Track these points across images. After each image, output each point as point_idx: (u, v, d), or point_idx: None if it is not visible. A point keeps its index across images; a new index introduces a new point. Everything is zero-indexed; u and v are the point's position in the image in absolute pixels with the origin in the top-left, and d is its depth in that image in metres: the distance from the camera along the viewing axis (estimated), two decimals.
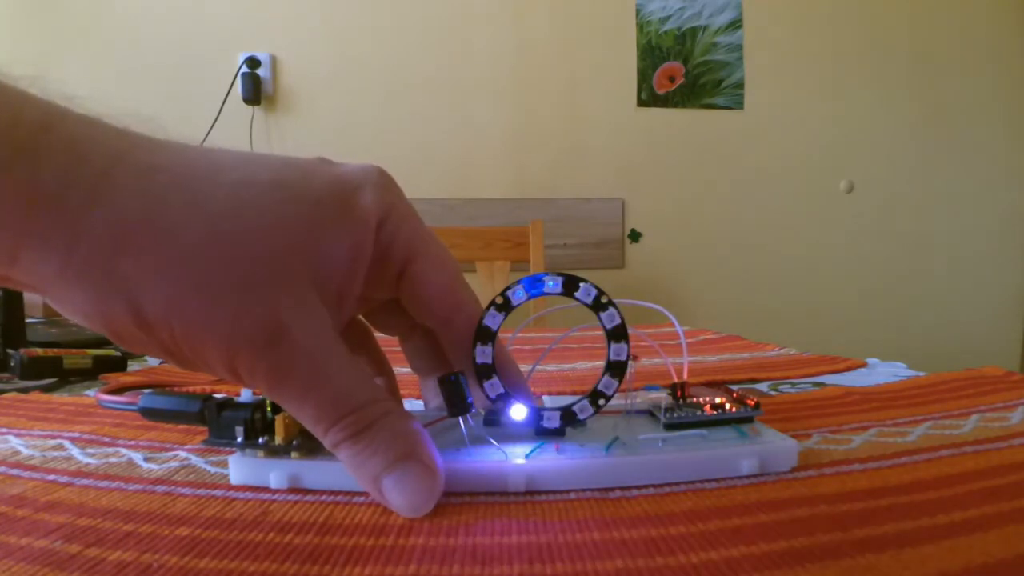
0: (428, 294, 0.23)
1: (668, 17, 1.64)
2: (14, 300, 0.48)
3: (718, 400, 0.23)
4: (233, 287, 0.18)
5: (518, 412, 0.22)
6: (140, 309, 0.17)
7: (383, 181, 0.22)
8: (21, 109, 0.16)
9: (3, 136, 0.16)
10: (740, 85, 1.68)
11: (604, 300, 0.22)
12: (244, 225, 0.18)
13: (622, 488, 0.20)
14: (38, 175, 0.16)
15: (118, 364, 0.45)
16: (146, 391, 0.26)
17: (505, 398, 0.22)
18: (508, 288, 0.22)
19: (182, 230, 0.17)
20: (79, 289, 0.17)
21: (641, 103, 1.65)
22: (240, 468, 0.21)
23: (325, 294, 0.20)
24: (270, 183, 0.20)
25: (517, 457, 0.21)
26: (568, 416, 0.22)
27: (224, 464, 0.23)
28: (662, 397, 0.24)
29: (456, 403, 0.22)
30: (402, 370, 0.28)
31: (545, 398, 0.28)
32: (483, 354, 0.22)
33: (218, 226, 0.18)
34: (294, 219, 0.19)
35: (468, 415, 0.22)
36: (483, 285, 1.16)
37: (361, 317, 0.26)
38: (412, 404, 0.31)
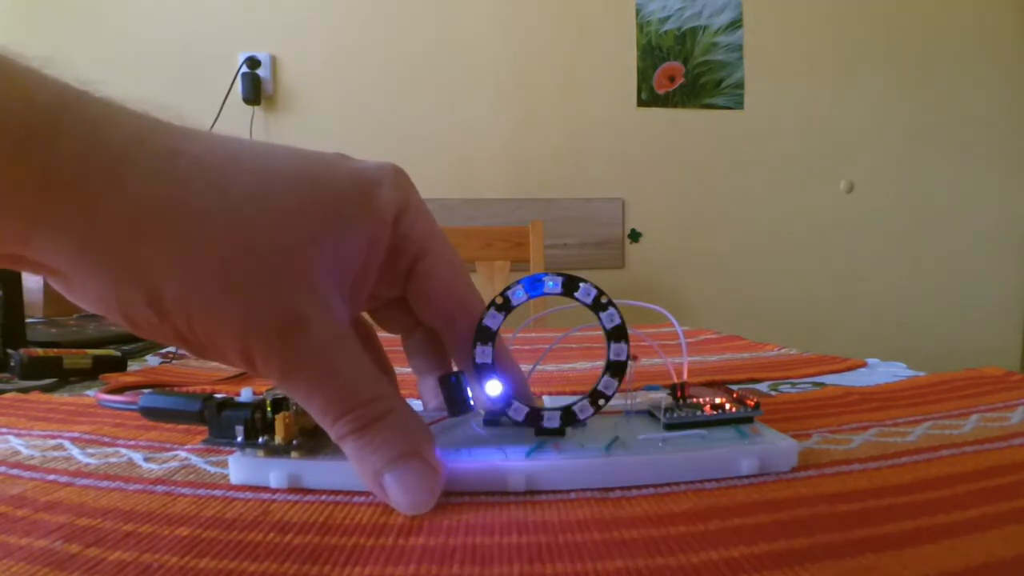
0: (435, 291, 0.23)
1: (668, 17, 1.64)
2: (14, 300, 0.48)
3: (718, 400, 0.23)
4: (253, 275, 0.18)
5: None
6: (158, 295, 0.17)
7: (399, 178, 0.22)
8: (37, 90, 0.16)
9: (19, 117, 0.15)
10: (740, 85, 1.68)
11: (604, 300, 0.22)
12: (266, 214, 0.18)
13: (622, 488, 0.20)
14: (55, 157, 0.16)
15: (118, 364, 0.45)
16: (146, 391, 0.26)
17: (505, 398, 0.22)
18: (508, 288, 0.22)
19: (204, 216, 0.17)
20: (95, 273, 0.17)
21: (641, 103, 1.65)
22: (240, 468, 0.21)
23: (341, 287, 0.20)
24: (292, 173, 0.20)
25: (517, 457, 0.21)
26: (568, 416, 0.22)
27: (224, 464, 0.23)
28: (662, 397, 0.24)
29: (456, 403, 0.22)
30: (402, 370, 0.28)
31: (545, 398, 0.28)
32: (483, 354, 0.22)
33: (240, 213, 0.18)
34: (316, 210, 0.19)
35: (468, 415, 0.22)
36: (483, 285, 1.15)
37: (365, 314, 0.26)
38: (412, 404, 0.31)
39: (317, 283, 0.19)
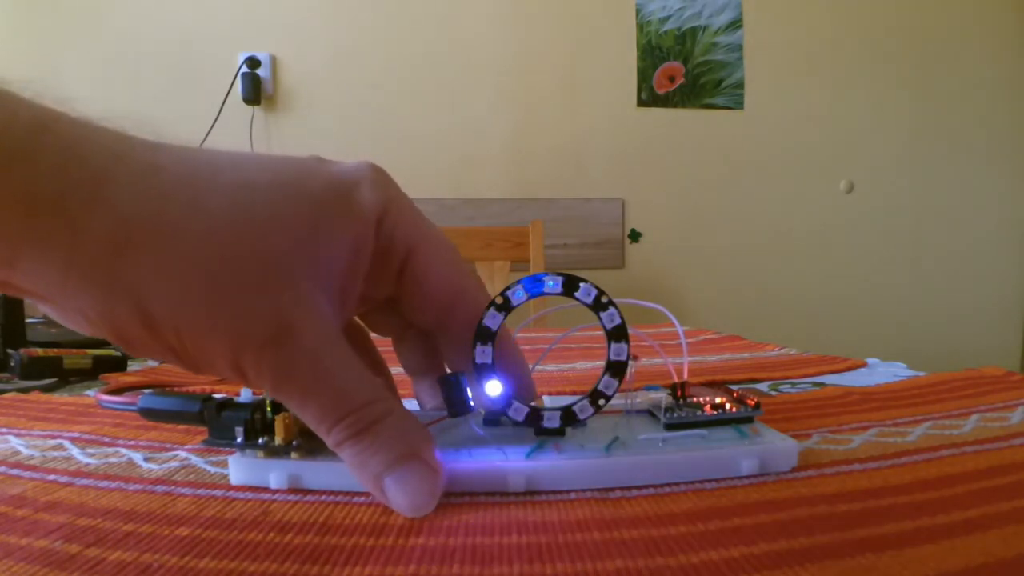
0: (430, 284, 0.23)
1: (668, 17, 1.64)
2: (14, 300, 0.48)
3: (718, 400, 0.23)
4: (238, 286, 0.18)
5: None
6: (146, 311, 0.17)
7: (379, 177, 0.22)
8: (15, 112, 0.16)
9: None
10: (740, 85, 1.68)
11: (604, 300, 0.22)
12: (246, 225, 0.18)
13: (622, 488, 0.20)
14: (36, 178, 0.16)
15: (118, 364, 0.45)
16: (146, 391, 0.26)
17: (505, 398, 0.22)
18: (508, 288, 0.22)
19: (185, 230, 0.17)
20: (83, 293, 0.17)
21: (641, 103, 1.65)
22: (240, 468, 0.21)
23: (328, 292, 0.20)
24: (269, 183, 0.20)
25: (517, 457, 0.21)
26: (568, 416, 0.22)
27: (224, 464, 0.23)
28: (662, 397, 0.24)
29: (456, 403, 0.22)
30: (397, 370, 0.28)
31: (545, 398, 0.28)
32: (483, 354, 0.22)
33: (221, 226, 0.18)
34: (295, 218, 0.19)
35: (468, 415, 0.22)
36: None
37: (356, 318, 0.26)
38: (409, 404, 0.31)
39: (302, 290, 0.19)
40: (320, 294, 0.19)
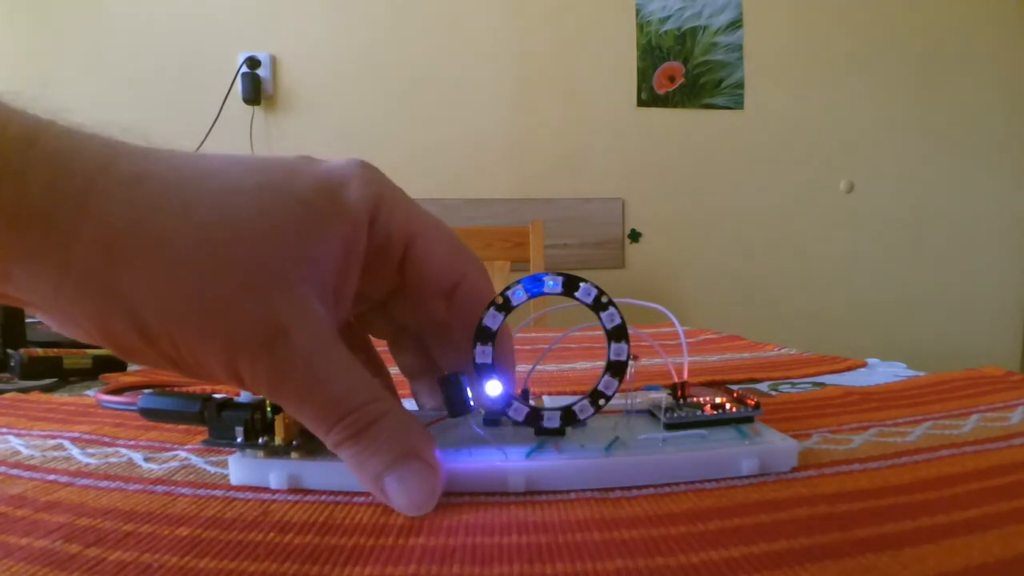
0: (431, 270, 0.23)
1: (668, 17, 1.64)
2: None
3: (718, 400, 0.23)
4: (229, 292, 0.18)
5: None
6: (140, 320, 0.17)
7: (367, 173, 0.22)
8: (5, 126, 0.16)
9: None
10: (740, 85, 1.68)
11: (604, 300, 0.22)
12: (235, 230, 0.18)
13: (622, 488, 0.20)
14: (25, 191, 0.16)
15: (118, 364, 0.45)
16: (146, 391, 0.26)
17: (506, 398, 0.22)
18: (508, 288, 0.22)
19: (174, 239, 0.17)
20: (77, 304, 0.17)
21: (641, 103, 1.65)
22: (240, 468, 0.21)
23: (322, 293, 0.20)
24: (257, 186, 0.19)
25: (517, 457, 0.21)
26: (568, 416, 0.22)
27: (224, 464, 0.23)
28: (662, 397, 0.24)
29: (456, 403, 0.22)
30: (395, 370, 0.28)
31: (545, 398, 0.28)
32: (483, 354, 0.22)
33: (209, 233, 0.18)
34: (283, 221, 0.19)
35: (468, 415, 0.22)
36: None
37: (353, 320, 0.26)
38: (408, 404, 0.31)
39: (294, 292, 0.19)
40: (313, 296, 0.19)
